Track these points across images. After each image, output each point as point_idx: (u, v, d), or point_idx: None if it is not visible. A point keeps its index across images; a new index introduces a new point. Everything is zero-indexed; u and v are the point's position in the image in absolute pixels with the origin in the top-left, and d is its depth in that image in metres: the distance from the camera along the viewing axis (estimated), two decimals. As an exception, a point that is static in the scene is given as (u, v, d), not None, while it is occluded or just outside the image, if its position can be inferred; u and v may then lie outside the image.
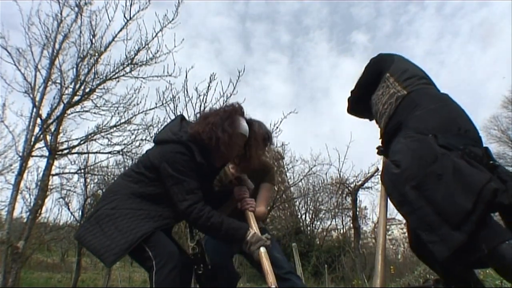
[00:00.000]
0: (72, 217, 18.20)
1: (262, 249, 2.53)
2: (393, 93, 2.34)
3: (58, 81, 9.71)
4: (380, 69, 2.55)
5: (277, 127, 11.76)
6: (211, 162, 2.72)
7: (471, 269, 2.28)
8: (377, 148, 2.63)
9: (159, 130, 2.94)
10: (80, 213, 16.23)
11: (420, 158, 2.00)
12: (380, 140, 2.55)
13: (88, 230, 2.48)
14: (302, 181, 22.34)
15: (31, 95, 9.36)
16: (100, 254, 2.39)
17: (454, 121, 2.14)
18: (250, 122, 2.85)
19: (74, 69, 9.74)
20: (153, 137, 2.90)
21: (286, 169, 21.59)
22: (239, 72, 9.97)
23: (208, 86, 9.93)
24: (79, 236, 2.55)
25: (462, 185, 1.86)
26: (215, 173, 2.96)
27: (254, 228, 2.69)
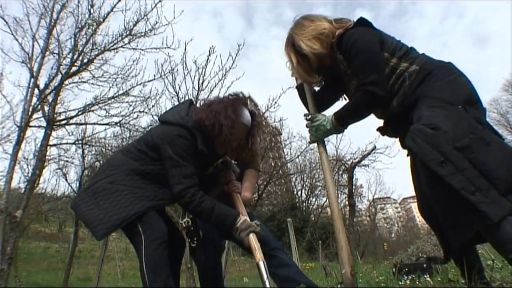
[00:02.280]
0: (69, 188, 18.26)
1: (251, 235, 2.55)
2: (401, 72, 2.25)
3: (56, 51, 9.59)
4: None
5: (275, 102, 11.69)
6: (213, 150, 2.75)
7: (474, 244, 2.29)
8: (379, 129, 2.53)
9: (166, 110, 2.95)
10: (78, 184, 16.23)
11: (458, 125, 1.94)
12: (385, 120, 2.49)
13: (84, 201, 2.54)
14: (299, 157, 22.45)
15: (28, 65, 9.26)
16: (92, 227, 2.45)
17: (472, 94, 2.11)
18: (253, 112, 2.86)
19: (72, 40, 9.60)
20: (159, 116, 2.89)
21: (283, 145, 21.63)
22: (238, 46, 9.85)
23: (207, 59, 9.82)
24: (74, 205, 2.61)
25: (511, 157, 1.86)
26: (215, 160, 2.98)
27: (243, 212, 2.74)
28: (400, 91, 2.26)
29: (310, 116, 2.66)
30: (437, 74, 2.17)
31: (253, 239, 2.53)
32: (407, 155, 2.37)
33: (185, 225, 2.87)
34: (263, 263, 2.41)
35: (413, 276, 2.96)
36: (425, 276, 2.95)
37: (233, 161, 3.19)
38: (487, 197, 1.79)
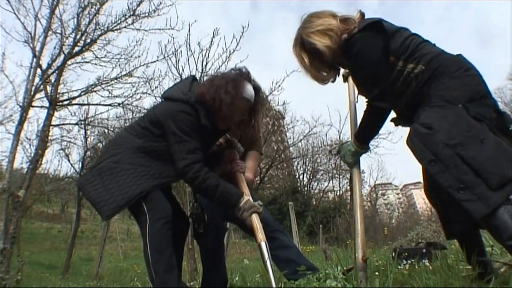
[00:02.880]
0: (72, 169, 18.35)
1: (254, 215, 2.56)
2: (407, 74, 2.25)
3: (59, 31, 9.52)
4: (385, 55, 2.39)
5: (279, 85, 11.63)
6: (215, 125, 2.73)
7: (477, 229, 2.32)
8: (393, 119, 2.55)
9: (169, 87, 2.93)
10: (80, 165, 16.32)
11: (454, 123, 1.98)
12: (396, 113, 2.50)
13: (89, 181, 2.54)
14: (302, 141, 22.47)
15: (31, 45, 9.20)
16: (98, 207, 2.47)
17: (477, 89, 2.11)
18: (257, 88, 2.80)
19: (75, 19, 9.53)
20: (162, 93, 2.88)
21: (286, 129, 21.64)
22: (243, 28, 9.77)
23: (211, 41, 9.73)
24: (80, 185, 2.65)
25: (504, 154, 1.89)
26: (218, 136, 2.96)
27: (246, 192, 2.73)
28: (407, 91, 2.28)
29: (336, 149, 2.71)
30: (443, 71, 2.17)
31: (255, 220, 2.54)
32: None
33: (194, 211, 2.94)
34: (265, 243, 2.43)
35: (413, 260, 2.97)
36: (424, 260, 2.96)
37: (236, 140, 3.16)
38: (474, 194, 1.83)
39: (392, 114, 2.52)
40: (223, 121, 2.73)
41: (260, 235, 2.45)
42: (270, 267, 2.32)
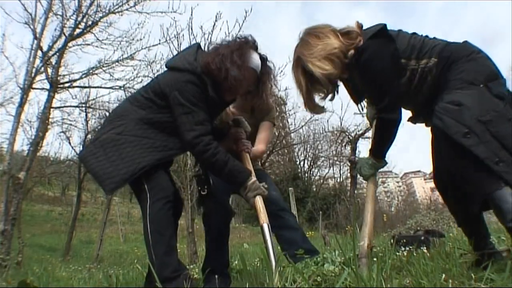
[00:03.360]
0: (73, 151, 18.38)
1: (258, 197, 2.55)
2: (422, 70, 2.25)
3: (60, 12, 9.48)
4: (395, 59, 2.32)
5: (281, 71, 11.60)
6: (221, 96, 2.63)
7: (481, 214, 2.36)
8: (410, 119, 2.54)
9: (173, 56, 2.83)
10: (81, 148, 16.33)
11: (481, 102, 2.00)
12: (413, 113, 2.50)
13: (92, 153, 2.48)
14: (303, 127, 22.43)
15: (31, 27, 9.17)
16: (101, 180, 2.41)
17: (492, 70, 2.13)
18: (263, 57, 2.70)
19: (76, 1, 9.50)
20: (166, 61, 2.78)
21: (287, 115, 21.58)
22: (246, 13, 9.71)
23: (214, 25, 9.68)
24: (82, 157, 2.58)
25: None
26: (223, 107, 2.88)
27: (251, 172, 2.69)
28: (423, 87, 2.28)
29: (354, 159, 2.70)
30: (456, 58, 2.17)
31: (259, 201, 2.51)
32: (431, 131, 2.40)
33: (196, 173, 2.88)
34: (267, 225, 2.41)
35: (411, 247, 2.98)
36: (422, 248, 2.97)
37: (247, 114, 3.16)
38: (510, 168, 1.86)
39: (409, 114, 2.54)
40: (229, 92, 2.65)
41: (263, 217, 2.43)
42: (271, 249, 2.31)
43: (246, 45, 2.60)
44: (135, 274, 4.26)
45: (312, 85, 2.44)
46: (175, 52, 9.65)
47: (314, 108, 2.60)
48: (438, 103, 2.10)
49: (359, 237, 2.28)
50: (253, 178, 2.56)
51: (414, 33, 2.39)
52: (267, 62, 2.72)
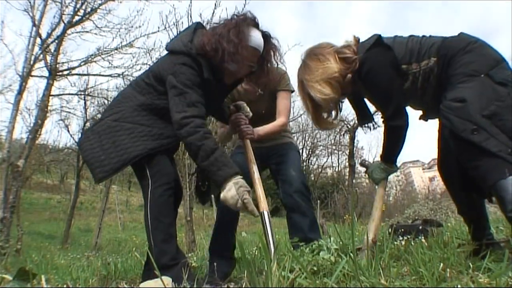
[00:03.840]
0: (71, 139, 18.39)
1: (256, 176, 2.52)
2: (424, 71, 2.24)
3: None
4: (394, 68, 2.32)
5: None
6: (221, 79, 2.52)
7: (483, 205, 2.42)
8: (421, 117, 2.56)
9: (172, 38, 2.74)
10: (80, 136, 16.33)
11: (483, 93, 2.00)
12: (424, 111, 2.51)
13: (88, 139, 2.44)
14: (302, 116, 22.34)
15: (30, 14, 9.13)
16: (92, 168, 2.38)
17: (492, 56, 2.12)
18: (266, 34, 2.52)
19: (75, -13, 9.43)
20: (165, 44, 2.67)
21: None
22: (245, 0, 9.64)
23: (213, 13, 9.62)
24: (79, 144, 2.53)
25: None
26: (226, 91, 2.78)
27: (251, 159, 2.64)
28: (428, 87, 2.28)
29: (366, 164, 2.71)
30: (454, 53, 2.17)
31: (259, 188, 2.46)
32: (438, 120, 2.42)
33: (198, 169, 2.78)
34: (267, 212, 2.36)
35: (409, 236, 2.99)
36: (420, 237, 2.98)
37: (259, 89, 3.10)
38: None
39: (419, 112, 2.55)
40: (229, 74, 2.53)
41: (263, 204, 2.38)
42: (270, 237, 2.28)
43: (244, 22, 2.43)
44: (133, 262, 4.28)
45: (316, 107, 2.46)
46: (174, 40, 9.62)
47: (322, 125, 2.64)
48: (443, 101, 2.10)
49: (366, 231, 2.30)
50: (240, 179, 2.27)
51: (411, 36, 2.39)
52: (271, 39, 2.56)
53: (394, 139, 2.42)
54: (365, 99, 2.59)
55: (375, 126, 2.79)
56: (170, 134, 2.42)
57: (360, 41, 2.46)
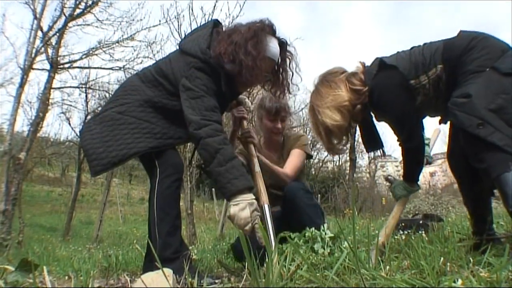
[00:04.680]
0: (72, 132, 18.39)
1: (257, 169, 2.53)
2: (433, 80, 2.23)
3: (60, -8, 9.41)
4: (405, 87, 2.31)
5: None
6: (234, 89, 2.47)
7: (489, 196, 2.43)
8: (440, 121, 2.54)
9: (186, 35, 2.64)
10: (81, 128, 16.34)
11: (488, 87, 2.00)
12: (442, 116, 2.49)
13: (89, 129, 2.40)
14: (303, 110, 22.31)
15: (31, 6, 9.11)
16: (90, 160, 2.33)
17: (495, 47, 2.11)
18: (283, 41, 2.48)
19: (76, -20, 9.41)
20: (180, 41, 2.61)
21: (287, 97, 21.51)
22: (247, -7, 9.59)
23: (214, 6, 9.59)
24: (81, 132, 2.50)
25: None
26: (234, 98, 2.75)
27: (252, 154, 2.66)
28: (439, 94, 2.27)
29: (390, 179, 2.72)
30: (457, 54, 2.16)
31: (260, 181, 2.48)
32: None
33: (199, 163, 2.73)
34: (268, 206, 2.38)
35: (409, 231, 3.00)
36: (421, 231, 2.99)
37: (276, 152, 3.14)
38: None
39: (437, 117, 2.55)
40: (243, 85, 2.50)
41: (264, 198, 2.41)
42: (271, 229, 2.28)
43: (262, 32, 2.34)
44: (134, 254, 4.29)
45: (327, 133, 2.46)
46: (175, 34, 9.56)
47: (332, 150, 2.64)
48: (450, 99, 2.11)
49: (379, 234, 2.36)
50: (255, 201, 2.18)
51: (413, 48, 2.38)
52: (287, 47, 2.51)
53: (412, 160, 2.45)
54: (376, 123, 2.59)
55: (385, 153, 2.88)
56: (172, 135, 2.38)
57: (366, 65, 2.47)
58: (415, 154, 2.40)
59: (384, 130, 2.62)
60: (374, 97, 2.33)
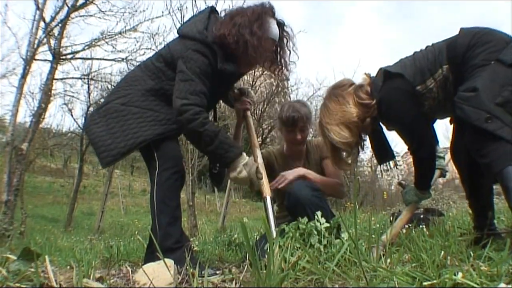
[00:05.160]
0: (75, 124, 18.40)
1: (259, 161, 2.53)
2: (441, 82, 2.22)
3: (62, -18, 9.37)
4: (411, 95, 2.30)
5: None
6: (235, 68, 2.50)
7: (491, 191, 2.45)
8: (450, 121, 2.53)
9: (185, 21, 2.68)
10: (83, 120, 16.34)
11: (494, 80, 1.99)
12: (452, 116, 2.48)
13: (94, 122, 2.44)
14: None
15: (34, -4, 9.08)
16: (99, 152, 2.38)
17: (498, 40, 2.10)
18: (281, 23, 2.56)
19: (79, -29, 9.38)
20: (178, 28, 2.63)
21: (290, 90, 21.43)
22: (250, -16, 9.55)
23: (217, -3, 9.57)
24: (86, 125, 2.55)
25: None
26: (236, 78, 2.80)
27: (255, 145, 2.66)
28: (448, 96, 2.24)
29: (402, 184, 2.71)
30: (462, 51, 2.15)
31: (262, 170, 2.48)
32: None
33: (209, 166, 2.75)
34: (270, 198, 2.41)
35: (410, 225, 3.01)
36: (422, 226, 2.99)
37: (300, 161, 3.07)
38: None
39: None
40: (246, 65, 2.56)
41: (266, 189, 2.42)
42: (272, 221, 2.32)
43: (265, 15, 2.44)
44: (135, 245, 4.32)
45: (335, 148, 2.46)
46: (178, 25, 9.56)
47: (341, 165, 2.65)
48: (457, 93, 2.09)
49: (386, 233, 2.32)
50: (246, 158, 2.42)
51: (415, 52, 2.37)
52: (285, 27, 2.59)
53: (424, 168, 2.43)
54: (386, 134, 2.57)
55: (397, 164, 2.78)
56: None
57: (372, 75, 2.46)
58: (426, 163, 2.39)
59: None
60: (382, 109, 2.32)
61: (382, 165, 2.75)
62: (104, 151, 2.35)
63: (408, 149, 2.39)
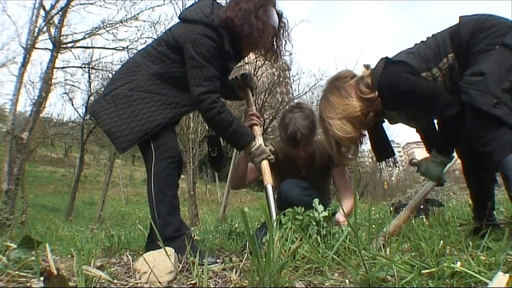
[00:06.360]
0: (75, 113, 18.37)
1: (264, 161, 2.55)
2: (447, 70, 2.19)
3: (63, -30, 9.32)
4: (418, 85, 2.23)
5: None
6: (238, 51, 2.62)
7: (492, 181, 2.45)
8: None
9: (187, 7, 2.72)
10: (84, 109, 16.31)
11: (500, 63, 1.97)
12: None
13: (103, 108, 2.44)
14: (307, 94, 22.26)
15: (34, -16, 9.03)
16: (114, 138, 2.39)
17: (501, 25, 2.08)
18: (279, 13, 2.66)
19: (79, -42, 9.33)
20: (180, 13, 2.70)
21: (291, 80, 21.38)
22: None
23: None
24: (93, 112, 2.52)
25: None
26: (238, 61, 2.88)
27: (260, 139, 2.68)
28: (454, 82, 2.21)
29: (415, 162, 2.56)
30: (467, 39, 2.13)
31: (265, 164, 2.52)
32: None
33: (208, 134, 2.83)
34: (271, 186, 2.46)
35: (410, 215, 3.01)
36: (421, 216, 3.00)
37: (304, 165, 3.05)
38: None
39: None
40: (249, 48, 2.66)
41: (268, 178, 2.47)
42: (273, 209, 2.35)
43: (269, 2, 2.56)
44: (136, 235, 4.34)
45: (337, 143, 2.39)
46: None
47: (343, 161, 2.57)
48: (463, 77, 2.06)
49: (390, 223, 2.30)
50: (258, 143, 2.57)
51: (416, 44, 2.34)
52: (282, 18, 2.70)
53: (455, 126, 2.25)
54: (386, 130, 2.55)
55: (396, 162, 2.65)
56: (186, 103, 2.49)
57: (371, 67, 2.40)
58: (454, 121, 2.21)
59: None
60: (383, 93, 2.25)
61: (382, 163, 2.66)
62: (119, 136, 2.37)
63: (438, 117, 2.31)
